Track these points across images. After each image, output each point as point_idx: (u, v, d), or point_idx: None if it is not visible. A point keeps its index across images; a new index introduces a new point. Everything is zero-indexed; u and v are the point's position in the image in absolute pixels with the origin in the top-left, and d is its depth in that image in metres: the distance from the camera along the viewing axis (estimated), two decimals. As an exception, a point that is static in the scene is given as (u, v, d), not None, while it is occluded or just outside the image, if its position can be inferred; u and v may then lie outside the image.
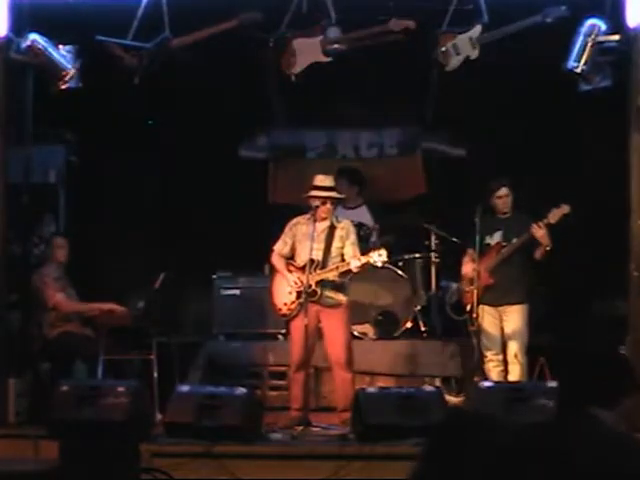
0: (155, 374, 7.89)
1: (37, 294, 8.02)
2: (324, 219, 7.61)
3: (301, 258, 7.62)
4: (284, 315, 7.70)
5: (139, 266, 9.28)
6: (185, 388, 7.18)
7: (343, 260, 7.57)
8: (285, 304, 7.64)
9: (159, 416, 7.27)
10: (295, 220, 7.76)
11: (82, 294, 8.27)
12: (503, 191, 7.98)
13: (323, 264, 7.53)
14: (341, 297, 7.61)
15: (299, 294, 7.54)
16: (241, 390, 7.04)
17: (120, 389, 6.86)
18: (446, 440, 2.90)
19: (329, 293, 7.54)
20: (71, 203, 9.61)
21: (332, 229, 7.63)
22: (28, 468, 5.97)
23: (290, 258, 7.71)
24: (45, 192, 9.33)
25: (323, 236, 7.59)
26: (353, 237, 7.68)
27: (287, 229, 7.75)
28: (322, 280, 7.49)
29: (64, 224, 9.45)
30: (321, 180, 7.67)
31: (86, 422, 6.67)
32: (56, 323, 7.97)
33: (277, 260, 7.75)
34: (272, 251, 7.77)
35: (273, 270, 7.92)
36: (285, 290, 7.65)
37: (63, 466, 5.87)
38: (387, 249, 7.77)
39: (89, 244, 9.18)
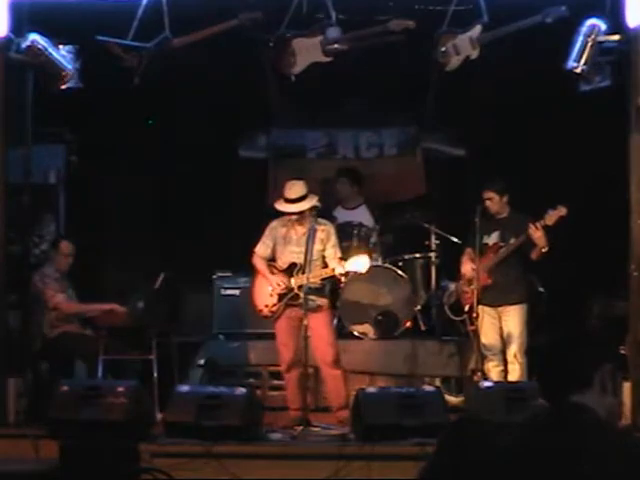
0: (155, 374, 7.89)
1: (37, 294, 8.01)
2: (302, 224, 7.58)
3: (282, 260, 7.60)
4: (265, 316, 7.69)
5: (139, 266, 9.29)
6: (185, 388, 7.18)
7: (325, 262, 7.54)
8: (266, 306, 7.63)
9: (159, 416, 7.27)
10: (275, 222, 7.68)
11: (82, 294, 8.27)
12: (487, 194, 7.94)
13: (304, 267, 7.47)
14: (323, 300, 7.59)
15: (280, 297, 7.53)
16: (241, 390, 7.04)
17: (120, 389, 6.86)
18: (456, 440, 2.90)
19: (310, 296, 7.46)
20: (71, 203, 9.60)
21: (312, 232, 7.54)
22: (28, 468, 5.97)
23: (271, 260, 7.69)
24: (45, 192, 9.32)
25: (304, 239, 7.54)
26: (334, 239, 7.63)
27: (267, 231, 7.69)
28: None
29: (64, 224, 9.44)
30: (290, 192, 7.54)
31: (86, 422, 6.67)
32: (56, 323, 7.97)
33: (258, 262, 7.70)
34: (253, 253, 7.74)
35: (254, 271, 7.88)
36: (266, 292, 7.63)
37: (63, 466, 5.86)
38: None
39: (89, 244, 9.17)
